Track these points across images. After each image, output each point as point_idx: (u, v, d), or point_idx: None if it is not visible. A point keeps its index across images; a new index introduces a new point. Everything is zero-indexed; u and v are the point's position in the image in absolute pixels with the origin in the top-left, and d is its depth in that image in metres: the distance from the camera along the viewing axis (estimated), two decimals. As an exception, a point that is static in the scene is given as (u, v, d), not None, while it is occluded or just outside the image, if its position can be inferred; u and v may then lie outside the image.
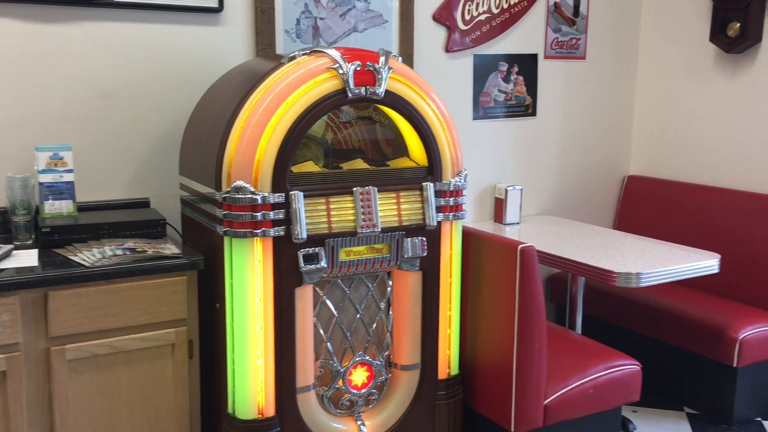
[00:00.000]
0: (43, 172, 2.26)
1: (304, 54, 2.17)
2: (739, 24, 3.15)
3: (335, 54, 2.13)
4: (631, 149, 3.77)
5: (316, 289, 2.23)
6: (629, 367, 2.57)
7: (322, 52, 2.15)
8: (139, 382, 2.10)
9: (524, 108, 3.39)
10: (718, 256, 2.71)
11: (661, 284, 2.62)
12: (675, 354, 3.08)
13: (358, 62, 2.14)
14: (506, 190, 3.28)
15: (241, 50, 2.66)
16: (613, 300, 3.28)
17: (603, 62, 3.58)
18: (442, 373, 2.43)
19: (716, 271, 2.69)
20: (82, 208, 2.38)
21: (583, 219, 3.57)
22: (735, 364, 2.85)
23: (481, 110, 3.28)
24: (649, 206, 3.57)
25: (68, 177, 2.29)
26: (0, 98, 2.30)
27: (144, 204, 2.54)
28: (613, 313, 3.29)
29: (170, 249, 2.16)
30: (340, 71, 2.12)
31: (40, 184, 2.26)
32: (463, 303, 2.50)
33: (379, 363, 2.36)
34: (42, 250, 2.13)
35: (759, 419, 3.01)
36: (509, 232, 3.16)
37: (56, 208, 2.28)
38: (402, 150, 2.42)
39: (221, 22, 2.61)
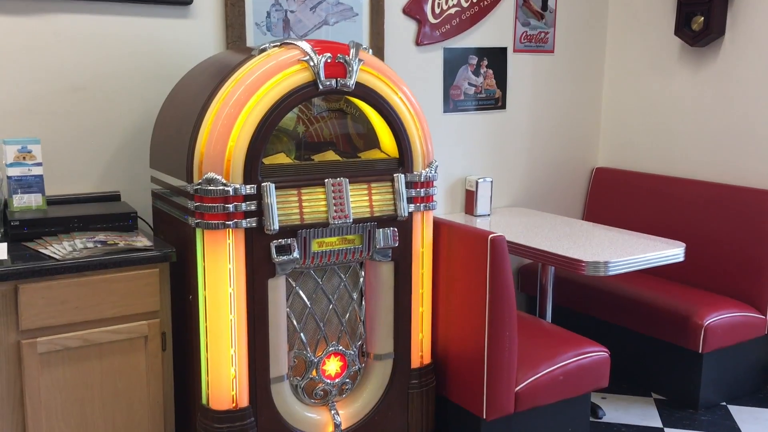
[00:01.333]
0: (11, 165, 2.24)
1: (274, 46, 2.17)
2: (702, 18, 3.22)
3: (306, 46, 2.15)
4: (599, 141, 3.83)
5: (289, 280, 2.24)
6: (598, 353, 2.62)
7: (293, 44, 2.17)
8: (112, 374, 2.10)
9: (494, 101, 3.43)
10: (683, 245, 2.78)
11: (629, 273, 2.68)
12: (642, 341, 3.14)
13: (329, 54, 2.15)
14: (477, 183, 3.31)
15: (212, 43, 2.66)
16: (581, 289, 3.34)
17: (571, 56, 3.63)
18: (415, 362, 2.46)
19: (681, 259, 2.76)
20: (52, 201, 2.36)
21: (553, 210, 3.62)
22: (700, 350, 2.92)
23: (452, 103, 3.31)
24: (617, 197, 3.63)
25: (37, 170, 2.27)
26: (-34, 91, 2.28)
27: (114, 198, 2.53)
28: (581, 302, 3.35)
29: (142, 241, 2.16)
30: (311, 63, 2.13)
31: (9, 177, 2.24)
32: (435, 293, 2.53)
33: (352, 353, 2.38)
34: (11, 243, 2.11)
35: (724, 403, 3.09)
36: (480, 224, 3.20)
37: (25, 201, 2.26)
38: (373, 143, 2.45)
39: (191, 14, 2.61)
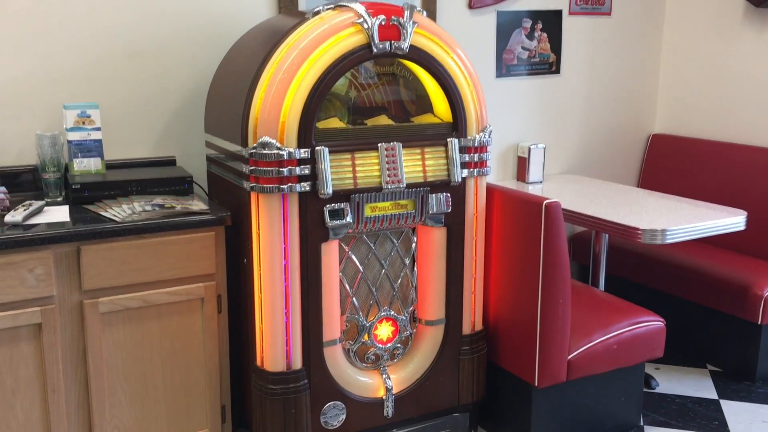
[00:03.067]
0: (72, 130, 2.29)
1: (328, 8, 2.16)
2: (770, -24, 3.08)
3: (359, 8, 2.12)
4: (656, 107, 3.72)
5: (342, 244, 2.25)
6: (653, 323, 2.57)
7: (347, 6, 2.14)
8: (170, 335, 2.15)
9: (548, 66, 3.35)
10: (745, 213, 2.69)
11: (685, 242, 2.61)
12: (698, 311, 3.08)
13: (383, 16, 2.13)
14: (529, 149, 3.26)
15: (264, 7, 2.65)
16: (636, 258, 3.28)
17: (629, 18, 3.51)
18: (466, 329, 2.46)
19: (742, 228, 2.68)
20: (110, 165, 2.40)
21: (607, 178, 3.54)
22: (759, 322, 2.84)
23: (504, 68, 3.25)
24: (674, 165, 3.54)
25: (96, 135, 2.32)
26: (27, 57, 2.32)
27: (170, 162, 2.56)
28: (636, 271, 3.29)
29: (198, 205, 2.19)
30: (365, 26, 2.11)
31: (69, 142, 2.29)
32: (487, 259, 2.51)
33: (404, 318, 2.39)
34: (72, 206, 2.17)
35: (782, 376, 3.02)
36: (532, 191, 3.16)
37: (85, 165, 2.31)
38: (425, 107, 2.42)
39: (244, -22, 2.60)
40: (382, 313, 2.35)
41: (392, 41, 2.14)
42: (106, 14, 2.41)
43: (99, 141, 2.32)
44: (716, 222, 2.62)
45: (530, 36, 3.27)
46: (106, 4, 2.40)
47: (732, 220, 2.65)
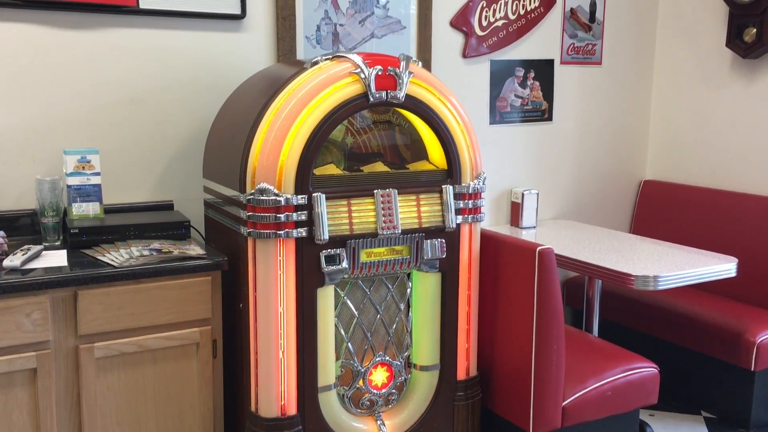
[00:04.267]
0: (71, 175, 2.31)
1: (326, 59, 2.21)
2: (755, 29, 3.17)
3: (357, 59, 2.17)
4: (647, 154, 3.79)
5: (337, 289, 2.27)
6: (647, 369, 2.58)
7: (344, 56, 2.20)
8: (165, 380, 2.14)
9: (540, 113, 3.42)
10: (735, 260, 2.73)
11: (678, 288, 2.64)
12: (692, 357, 3.08)
13: (380, 67, 2.18)
14: (522, 194, 3.30)
15: (263, 56, 2.71)
16: (629, 304, 3.29)
17: (619, 67, 3.60)
18: (460, 374, 2.46)
19: (734, 275, 2.71)
20: (109, 210, 2.43)
21: (599, 223, 3.58)
22: (753, 368, 2.85)
23: (498, 115, 3.31)
24: (666, 211, 3.58)
25: (95, 180, 2.34)
26: (30, 103, 2.36)
27: (168, 207, 2.59)
28: (629, 316, 3.30)
29: (195, 250, 2.21)
30: (362, 76, 2.16)
31: (68, 186, 2.31)
32: (482, 304, 2.52)
33: (398, 363, 2.39)
34: (70, 250, 2.18)
35: (777, 423, 3.02)
36: (526, 236, 3.19)
37: (84, 210, 2.33)
38: (420, 154, 2.46)
39: (243, 28, 2.66)
40: (377, 359, 2.35)
41: (388, 91, 2.19)
42: (107, 62, 2.46)
43: (98, 186, 2.35)
44: (708, 269, 2.65)
45: (523, 84, 3.34)
46: (108, 53, 2.46)
47: (723, 267, 2.68)
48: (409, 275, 2.39)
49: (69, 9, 2.36)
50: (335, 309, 2.26)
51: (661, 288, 2.52)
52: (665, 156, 3.70)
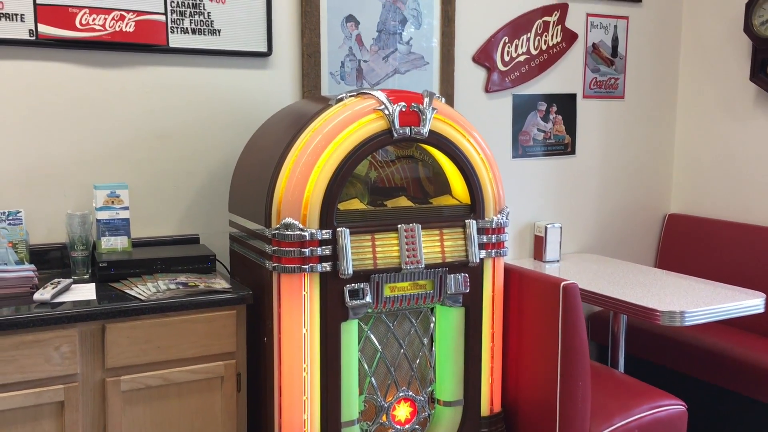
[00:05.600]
0: (101, 209, 2.36)
1: (350, 96, 2.24)
2: (779, 63, 3.17)
3: (381, 96, 2.21)
4: (672, 187, 3.77)
5: (361, 324, 2.27)
6: (675, 407, 2.54)
7: (369, 93, 2.23)
8: (189, 414, 2.15)
9: (563, 147, 3.43)
10: (764, 295, 2.69)
11: (705, 323, 2.60)
12: (721, 395, 3.03)
13: (403, 103, 2.21)
14: (546, 228, 3.30)
15: (288, 92, 2.76)
16: (655, 339, 3.25)
17: (642, 101, 3.60)
18: (484, 410, 2.44)
19: (762, 310, 2.67)
20: (136, 243, 2.47)
21: (624, 257, 3.56)
22: (783, 406, 2.80)
23: (521, 149, 3.32)
24: (691, 245, 3.55)
25: (124, 214, 2.39)
26: (62, 139, 2.42)
27: (194, 240, 2.62)
28: (655, 352, 3.26)
29: (221, 284, 2.23)
30: (386, 112, 2.19)
31: (98, 221, 2.36)
32: (506, 339, 2.51)
33: (422, 399, 2.38)
34: (99, 284, 2.21)
35: (810, 463, 2.94)
36: (549, 270, 3.18)
37: (112, 243, 2.37)
38: (444, 188, 2.48)
39: (270, 65, 2.71)
40: (401, 394, 2.35)
41: (412, 127, 2.22)
42: (137, 99, 2.52)
43: (126, 220, 2.39)
44: (735, 304, 2.62)
45: (545, 118, 3.36)
46: (138, 90, 2.52)
47: (751, 303, 2.65)
48: (432, 310, 2.39)
49: (101, 48, 2.43)
50: (359, 343, 2.26)
51: (687, 324, 2.49)
52: (690, 189, 3.68)
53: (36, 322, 1.90)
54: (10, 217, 2.25)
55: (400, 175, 2.54)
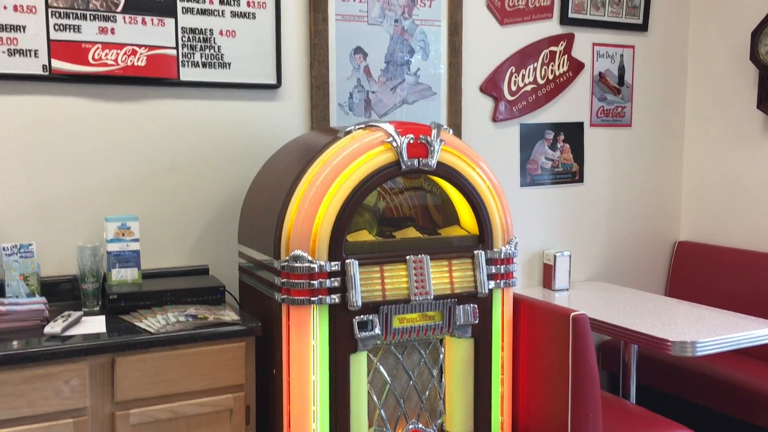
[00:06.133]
0: (111, 241, 2.38)
1: (359, 128, 2.26)
2: (786, 91, 3.17)
3: (389, 128, 2.22)
4: (681, 215, 3.76)
5: (370, 355, 2.27)
6: (687, 438, 2.51)
7: (377, 126, 2.25)
8: (198, 447, 2.15)
9: (571, 175, 3.43)
10: (775, 324, 2.67)
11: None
12: (734, 425, 2.99)
13: (411, 135, 2.22)
14: (555, 256, 3.29)
15: (297, 123, 2.79)
16: (667, 368, 3.22)
17: (649, 129, 3.61)
18: (495, 442, 2.42)
19: (774, 339, 2.65)
20: (146, 275, 2.48)
21: (634, 285, 3.54)
22: (798, 437, 2.76)
23: (529, 177, 3.33)
24: (701, 272, 3.53)
25: (134, 246, 2.40)
26: (73, 171, 2.45)
27: (204, 271, 2.63)
28: (667, 381, 3.23)
29: (229, 315, 2.23)
30: (394, 144, 2.20)
31: (108, 252, 2.37)
32: (516, 370, 2.50)
33: (432, 431, 2.36)
34: (109, 316, 2.22)
35: (826, 495, 2.90)
36: (559, 299, 3.16)
37: (122, 275, 2.38)
38: (452, 218, 2.48)
39: (279, 97, 2.74)
40: (410, 426, 2.33)
41: (420, 158, 2.23)
42: (148, 131, 2.55)
43: (137, 252, 2.41)
44: (747, 334, 2.59)
45: (553, 147, 3.37)
46: (149, 123, 2.55)
47: (762, 332, 2.62)
48: (441, 341, 2.38)
49: (113, 82, 2.46)
50: (368, 375, 2.25)
51: (699, 354, 2.47)
52: (700, 217, 3.67)
53: (46, 356, 1.91)
54: (22, 250, 2.27)
55: (408, 205, 2.55)
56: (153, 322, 2.14)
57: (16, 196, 2.38)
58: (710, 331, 2.58)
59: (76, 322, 2.12)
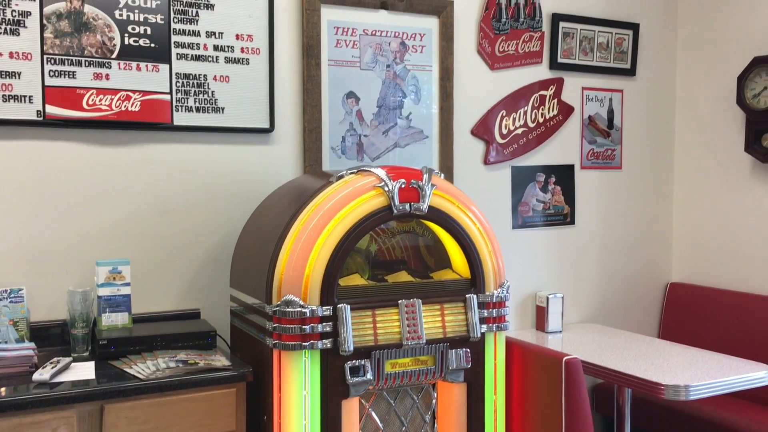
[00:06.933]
0: (102, 285, 2.37)
1: (351, 173, 2.28)
2: (773, 135, 3.22)
3: (381, 173, 2.24)
4: (672, 256, 3.78)
5: (362, 401, 2.25)
6: (682, 484, 2.49)
7: (369, 170, 2.27)
8: (187, 496, 2.11)
9: (562, 217, 3.45)
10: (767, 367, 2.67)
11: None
12: (730, 469, 2.96)
13: (403, 180, 2.24)
14: (547, 298, 3.29)
15: (290, 166, 2.80)
16: (661, 411, 3.20)
17: (639, 171, 3.65)
18: (488, 489, 2.39)
19: (767, 383, 2.64)
20: (137, 319, 2.46)
21: (626, 327, 3.54)
22: (794, 482, 2.74)
23: (520, 219, 3.35)
24: (694, 314, 3.54)
25: (125, 290, 2.39)
26: (65, 216, 2.45)
27: (195, 315, 2.62)
28: (662, 425, 3.20)
29: (220, 361, 2.22)
30: (386, 189, 2.22)
31: (99, 297, 2.36)
32: (509, 414, 2.48)
33: (424, 478, 2.34)
34: (98, 362, 2.20)
35: None
36: (552, 341, 3.15)
37: (113, 320, 2.37)
38: (444, 261, 2.49)
39: (272, 141, 2.77)
40: (403, 473, 2.30)
41: (412, 203, 2.25)
42: (140, 175, 2.56)
43: (128, 296, 2.40)
44: (740, 377, 2.59)
45: (544, 189, 3.40)
46: (142, 167, 2.56)
47: (756, 375, 2.62)
48: (434, 385, 2.36)
49: (107, 127, 2.48)
50: (360, 421, 2.23)
51: (692, 398, 2.46)
52: (691, 259, 3.69)
53: (34, 404, 1.89)
54: (12, 295, 2.26)
55: (400, 248, 2.56)
56: (143, 368, 2.12)
57: (8, 240, 2.37)
58: (703, 374, 2.58)
59: (65, 368, 2.10)
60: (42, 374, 2.00)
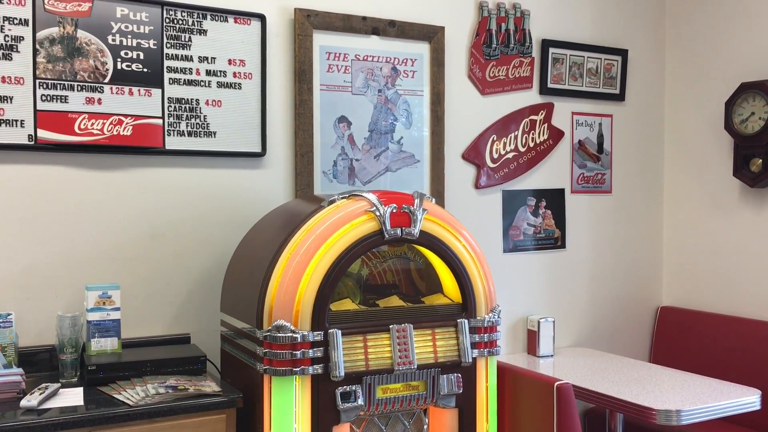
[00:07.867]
0: (92, 310, 2.35)
1: (342, 197, 2.28)
2: (761, 160, 3.25)
3: (372, 197, 2.25)
4: (663, 280, 3.79)
5: (353, 427, 2.23)
6: None
7: (360, 195, 2.27)
8: None
9: (553, 240, 3.47)
10: (759, 392, 2.67)
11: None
12: (722, 495, 2.96)
13: (394, 205, 2.25)
14: (539, 322, 3.29)
15: (282, 191, 2.81)
16: (653, 436, 3.20)
17: (629, 195, 3.68)
18: None
19: (758, 407, 2.64)
20: (126, 344, 2.44)
21: (617, 351, 3.54)
22: (787, 507, 2.73)
23: (511, 243, 3.36)
24: (684, 337, 3.54)
25: (115, 315, 2.38)
26: (55, 240, 2.44)
27: (185, 340, 2.61)
28: (654, 449, 3.20)
29: (210, 386, 2.20)
30: (377, 213, 2.22)
31: (88, 322, 2.35)
32: (500, 441, 2.47)
33: (416, 505, 2.31)
34: (87, 387, 2.18)
35: None
36: (543, 365, 3.15)
37: (102, 345, 2.35)
38: (435, 285, 2.49)
39: (264, 165, 2.77)
40: (394, 500, 2.28)
41: (403, 228, 2.25)
42: (132, 199, 2.56)
43: (117, 321, 2.38)
44: (731, 402, 2.59)
45: (535, 213, 3.41)
46: (133, 191, 2.56)
47: (747, 400, 2.63)
48: (425, 411, 2.35)
49: (98, 151, 2.48)
50: (351, 447, 2.22)
51: (684, 423, 2.46)
52: (681, 282, 3.70)
53: (22, 431, 1.86)
54: (1, 320, 2.24)
55: (392, 272, 2.55)
56: (132, 394, 2.10)
57: (-3, 265, 2.37)
58: (695, 399, 2.58)
59: (54, 394, 2.08)
60: (30, 400, 1.98)
